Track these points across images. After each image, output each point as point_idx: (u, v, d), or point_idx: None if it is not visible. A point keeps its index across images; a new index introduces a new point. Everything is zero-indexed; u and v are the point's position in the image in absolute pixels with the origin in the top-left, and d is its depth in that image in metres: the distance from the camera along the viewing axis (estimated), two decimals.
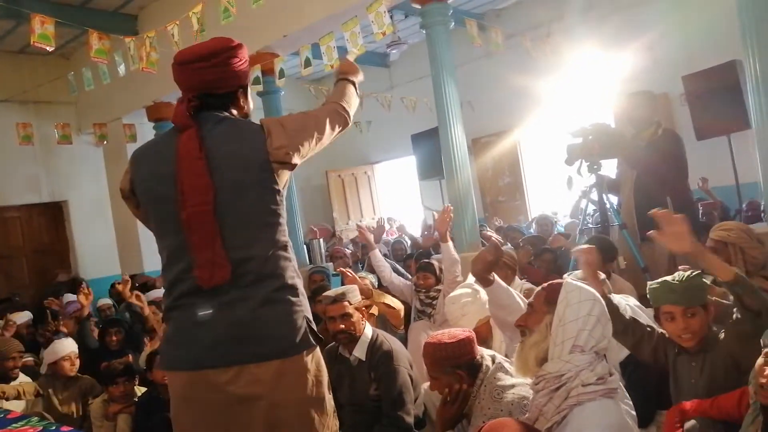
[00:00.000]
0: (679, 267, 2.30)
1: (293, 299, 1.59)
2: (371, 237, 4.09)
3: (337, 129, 1.74)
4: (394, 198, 11.11)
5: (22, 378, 3.49)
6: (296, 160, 1.61)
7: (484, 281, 2.23)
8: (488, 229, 6.04)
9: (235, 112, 1.68)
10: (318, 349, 1.65)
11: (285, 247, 1.62)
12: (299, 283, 1.64)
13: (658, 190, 3.62)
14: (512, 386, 1.88)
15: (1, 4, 4.66)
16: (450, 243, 3.42)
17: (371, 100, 8.31)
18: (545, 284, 1.75)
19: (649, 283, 2.00)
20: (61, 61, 8.11)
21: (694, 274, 1.92)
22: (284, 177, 1.63)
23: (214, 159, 1.54)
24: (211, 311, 1.54)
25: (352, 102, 1.83)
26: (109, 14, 7.11)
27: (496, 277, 2.25)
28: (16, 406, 3.32)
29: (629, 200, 3.82)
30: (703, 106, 6.36)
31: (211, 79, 1.60)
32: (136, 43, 4.91)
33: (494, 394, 1.87)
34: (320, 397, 1.61)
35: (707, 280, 2.03)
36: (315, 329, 1.64)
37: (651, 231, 2.01)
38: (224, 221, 1.53)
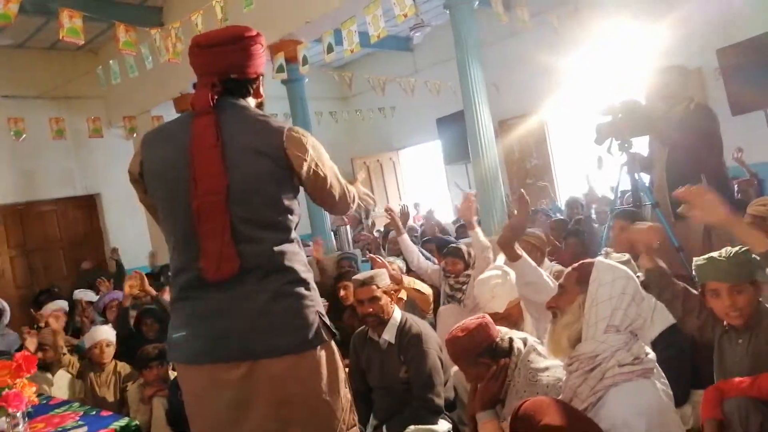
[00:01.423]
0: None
1: (305, 293, 1.57)
2: (399, 221, 4.07)
3: (338, 194, 1.68)
4: (420, 183, 11.07)
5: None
6: (303, 172, 1.56)
7: (511, 254, 2.20)
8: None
9: (251, 100, 1.66)
10: (332, 343, 1.62)
11: (295, 242, 1.59)
12: (310, 278, 1.62)
13: (691, 168, 3.51)
14: (546, 368, 1.87)
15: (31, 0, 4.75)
16: (478, 229, 3.36)
17: (395, 85, 8.25)
18: (576, 264, 1.72)
19: (695, 259, 1.92)
20: (90, 56, 8.25)
21: (742, 249, 1.82)
22: (294, 180, 1.59)
23: (230, 149, 1.50)
24: (221, 304, 1.51)
25: (360, 199, 1.82)
26: (134, 7, 7.18)
27: (524, 253, 2.23)
28: (59, 388, 3.47)
29: (661, 179, 3.72)
30: (739, 79, 6.17)
31: (235, 62, 1.57)
32: (162, 35, 4.96)
33: (529, 376, 1.85)
34: (334, 392, 1.58)
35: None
36: (328, 324, 1.61)
37: (681, 207, 1.94)
38: (235, 213, 1.49)
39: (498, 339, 1.95)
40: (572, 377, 1.58)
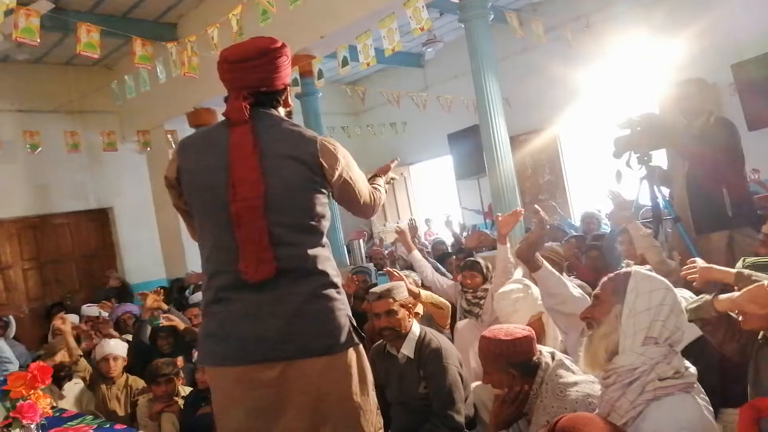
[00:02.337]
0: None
1: (336, 296, 1.62)
2: (410, 240, 4.04)
3: (364, 200, 1.78)
4: (431, 198, 11.04)
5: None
6: (335, 179, 1.64)
7: (531, 264, 2.15)
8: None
9: (282, 110, 1.71)
10: (361, 346, 1.66)
11: (327, 246, 1.65)
12: (339, 282, 1.66)
13: (712, 182, 3.46)
14: (575, 383, 1.81)
15: (49, 15, 4.81)
16: (508, 245, 3.30)
17: (407, 100, 8.27)
18: (611, 274, 1.67)
19: (738, 266, 1.87)
20: (105, 71, 8.34)
21: None
22: (325, 189, 1.65)
23: (266, 156, 1.56)
24: (256, 306, 1.54)
25: (383, 195, 1.95)
26: (150, 23, 7.26)
27: (544, 262, 2.18)
28: (67, 401, 3.46)
29: (682, 192, 3.66)
30: (755, 94, 6.13)
31: (264, 76, 1.63)
32: (178, 49, 5.00)
33: (557, 391, 1.80)
34: (364, 393, 1.64)
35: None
36: (357, 327, 1.66)
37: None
38: (272, 218, 1.54)
39: (535, 357, 1.91)
40: (609, 391, 1.52)
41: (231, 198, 1.52)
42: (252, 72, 1.61)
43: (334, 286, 1.62)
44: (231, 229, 1.54)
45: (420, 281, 4.00)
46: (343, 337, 1.58)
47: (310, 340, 1.54)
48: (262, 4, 4.34)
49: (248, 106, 1.58)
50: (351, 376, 1.59)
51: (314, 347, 1.54)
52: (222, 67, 1.64)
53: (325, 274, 1.60)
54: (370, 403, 1.64)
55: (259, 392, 1.54)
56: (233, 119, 1.59)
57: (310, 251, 1.58)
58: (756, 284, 1.59)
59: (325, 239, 1.65)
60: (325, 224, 1.65)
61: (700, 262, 2.00)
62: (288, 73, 1.69)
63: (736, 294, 1.64)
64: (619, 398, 1.48)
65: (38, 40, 4.12)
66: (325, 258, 1.63)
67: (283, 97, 1.70)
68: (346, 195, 1.71)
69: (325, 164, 1.60)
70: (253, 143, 1.55)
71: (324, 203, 1.63)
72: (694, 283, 1.99)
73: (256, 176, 1.52)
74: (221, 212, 1.55)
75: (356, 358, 1.62)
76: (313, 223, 1.60)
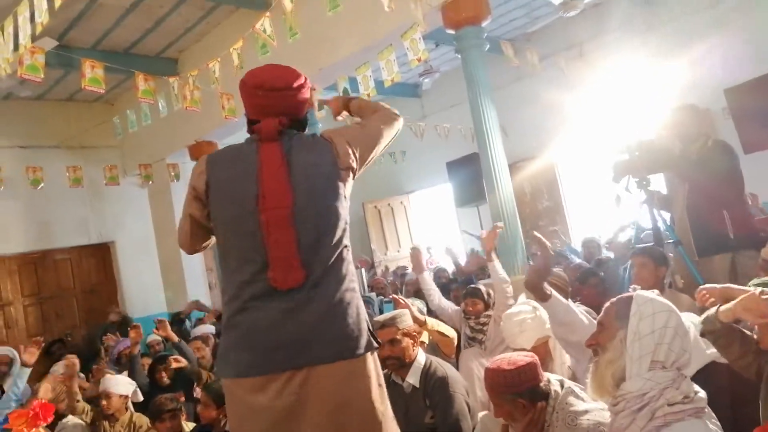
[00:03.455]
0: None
1: (357, 301, 1.66)
2: (423, 260, 4.04)
3: (392, 127, 1.88)
4: (431, 226, 11.05)
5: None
6: (356, 165, 1.74)
7: (541, 295, 2.15)
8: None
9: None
10: (376, 354, 1.70)
11: (349, 249, 1.70)
12: (358, 287, 1.71)
13: (712, 205, 3.49)
14: (586, 411, 1.78)
15: (53, 52, 4.90)
16: (496, 261, 3.33)
17: (405, 129, 8.26)
18: (614, 299, 1.66)
19: (753, 283, 1.87)
20: (106, 107, 8.45)
21: None
22: (349, 183, 1.73)
23: (293, 167, 1.65)
24: (281, 313, 1.57)
25: (380, 104, 1.99)
26: (151, 59, 7.39)
27: (554, 292, 2.17)
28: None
29: (683, 216, 3.68)
30: (749, 118, 6.20)
31: (297, 104, 1.75)
32: (180, 83, 5.07)
33: (568, 420, 1.77)
34: (384, 400, 1.66)
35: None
36: (372, 331, 1.70)
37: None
38: (299, 226, 1.60)
39: (542, 383, 1.89)
40: (619, 418, 1.50)
41: (261, 207, 1.59)
42: (289, 99, 1.72)
43: (355, 291, 1.67)
44: (260, 238, 1.59)
45: (425, 309, 3.98)
46: (364, 341, 1.62)
47: (334, 345, 1.57)
48: (262, 38, 4.42)
49: (280, 127, 1.68)
50: (371, 381, 1.62)
51: (339, 351, 1.57)
52: (254, 92, 1.73)
53: (347, 278, 1.66)
54: (388, 410, 1.66)
55: (282, 401, 1.55)
56: (264, 136, 1.68)
57: (334, 256, 1.63)
58: (749, 293, 1.63)
59: (348, 242, 1.70)
60: (347, 229, 1.70)
61: (711, 286, 1.98)
62: (308, 101, 1.82)
63: (732, 303, 1.67)
64: (629, 425, 1.46)
65: (42, 77, 4.19)
66: (348, 262, 1.68)
67: (305, 121, 1.83)
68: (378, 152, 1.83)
69: (342, 160, 1.69)
70: (282, 157, 1.64)
71: (346, 207, 1.70)
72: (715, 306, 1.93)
73: (285, 187, 1.60)
74: (250, 222, 1.60)
75: (374, 362, 1.65)
76: (337, 229, 1.66)
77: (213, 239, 1.79)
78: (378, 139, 1.82)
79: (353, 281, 1.68)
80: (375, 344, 1.67)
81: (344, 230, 1.69)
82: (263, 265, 1.58)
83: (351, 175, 1.74)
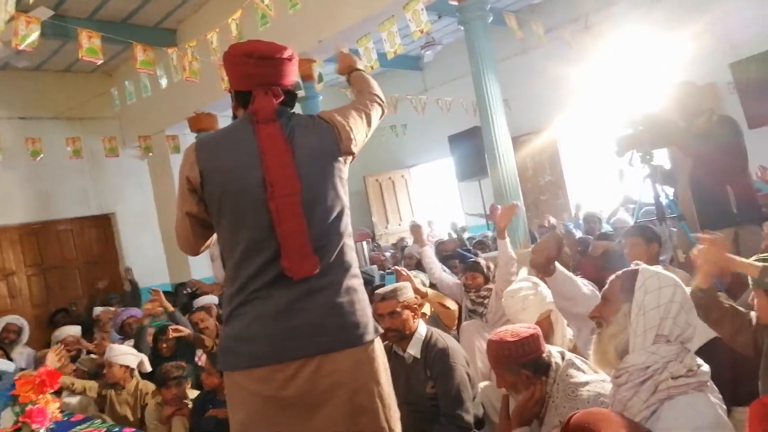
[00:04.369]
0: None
1: (361, 288, 1.64)
2: (425, 234, 4.05)
3: (378, 116, 1.84)
4: (432, 200, 11.05)
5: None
6: (356, 149, 1.70)
7: (546, 271, 2.15)
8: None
9: (290, 109, 1.71)
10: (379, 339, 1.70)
11: (351, 236, 1.67)
12: (360, 273, 1.70)
13: (716, 180, 3.47)
14: (586, 383, 1.81)
15: (49, 22, 4.82)
16: (507, 240, 3.32)
17: (406, 103, 8.29)
18: (619, 272, 1.66)
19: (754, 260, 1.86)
20: (104, 78, 8.37)
21: None
22: (347, 167, 1.70)
23: (296, 151, 1.57)
24: (288, 303, 1.53)
25: (376, 87, 1.92)
26: (149, 29, 7.29)
27: (559, 266, 2.17)
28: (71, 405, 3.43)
29: (686, 191, 3.67)
30: (754, 92, 6.15)
31: (288, 74, 1.66)
32: (179, 54, 5.01)
33: (568, 391, 1.80)
34: (389, 380, 1.65)
35: None
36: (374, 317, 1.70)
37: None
38: (308, 212, 1.55)
39: (544, 353, 1.90)
40: (621, 390, 1.51)
41: (269, 195, 1.52)
42: (281, 68, 1.63)
43: (359, 277, 1.65)
44: (270, 227, 1.52)
45: (428, 281, 4.01)
46: (371, 327, 1.61)
47: (345, 332, 1.55)
48: (261, 8, 4.35)
49: (276, 105, 1.60)
50: (379, 366, 1.61)
51: (348, 338, 1.55)
52: (246, 61, 1.61)
53: (352, 265, 1.63)
54: (393, 395, 1.66)
55: (289, 391, 1.51)
56: (260, 117, 1.58)
57: (340, 243, 1.60)
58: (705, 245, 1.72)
59: (350, 228, 1.67)
60: (349, 214, 1.67)
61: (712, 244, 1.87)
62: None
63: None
64: (632, 397, 1.48)
65: (35, 45, 4.11)
66: (351, 248, 1.65)
67: (295, 96, 1.74)
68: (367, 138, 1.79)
69: (345, 144, 1.65)
70: (284, 140, 1.56)
71: (347, 193, 1.66)
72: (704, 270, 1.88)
73: (292, 172, 1.54)
74: (257, 212, 1.53)
75: (380, 346, 1.65)
76: (342, 215, 1.62)
77: (215, 236, 1.69)
78: (371, 125, 1.79)
79: (357, 267, 1.67)
80: (379, 330, 1.66)
81: (348, 216, 1.66)
82: (274, 255, 1.53)
83: (351, 159, 1.70)
